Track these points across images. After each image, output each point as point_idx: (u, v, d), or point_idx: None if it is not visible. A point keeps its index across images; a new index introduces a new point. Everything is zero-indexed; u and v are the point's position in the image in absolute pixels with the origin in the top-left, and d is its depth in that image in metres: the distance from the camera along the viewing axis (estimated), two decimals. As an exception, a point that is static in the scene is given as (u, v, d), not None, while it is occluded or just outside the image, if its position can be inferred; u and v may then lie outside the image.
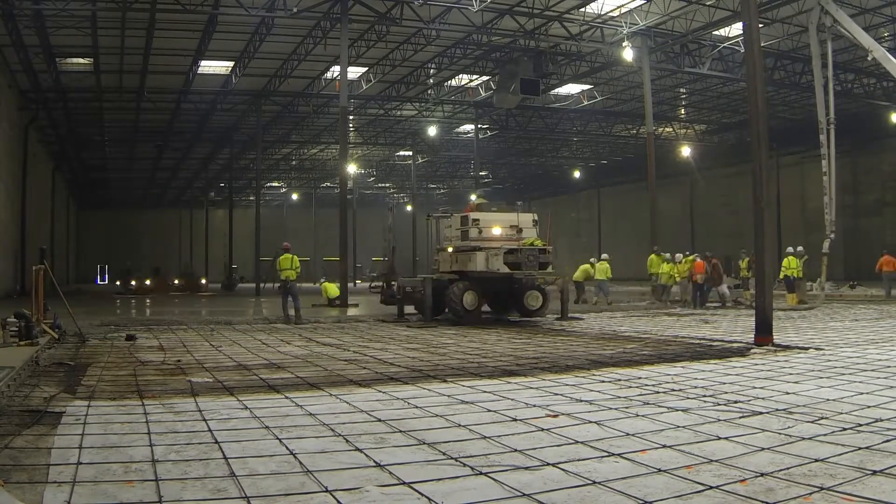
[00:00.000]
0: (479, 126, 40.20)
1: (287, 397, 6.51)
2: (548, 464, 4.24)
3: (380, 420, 5.49)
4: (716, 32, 25.66)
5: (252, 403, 6.17)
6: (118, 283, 43.22)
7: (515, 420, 5.49)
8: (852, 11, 20.82)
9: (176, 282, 39.63)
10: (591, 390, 6.82)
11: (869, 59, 17.47)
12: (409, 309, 17.64)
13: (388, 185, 66.05)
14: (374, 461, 4.29)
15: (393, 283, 18.97)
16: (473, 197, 19.51)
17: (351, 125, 40.01)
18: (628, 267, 38.37)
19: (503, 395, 6.54)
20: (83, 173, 51.45)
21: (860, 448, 4.49)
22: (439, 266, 17.35)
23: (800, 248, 20.73)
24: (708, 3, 22.94)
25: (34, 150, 33.57)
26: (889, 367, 8.06)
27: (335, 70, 28.72)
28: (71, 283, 50.29)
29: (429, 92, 33.97)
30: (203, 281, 41.45)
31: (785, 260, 20.68)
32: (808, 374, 7.71)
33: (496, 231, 16.14)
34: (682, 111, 40.38)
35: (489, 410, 5.85)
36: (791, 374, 7.74)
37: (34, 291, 11.64)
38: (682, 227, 45.51)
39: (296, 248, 18.59)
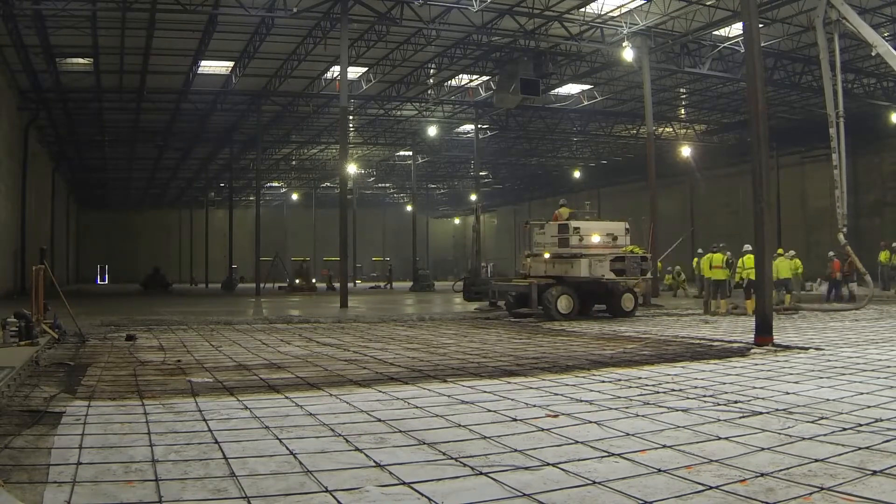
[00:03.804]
0: (479, 126, 40.15)
1: (287, 397, 6.51)
2: (548, 464, 4.24)
3: (380, 420, 5.48)
4: (716, 32, 25.64)
5: (252, 403, 6.17)
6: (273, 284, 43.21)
7: (515, 420, 5.48)
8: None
9: (297, 281, 39.93)
10: (591, 390, 6.82)
11: (873, 53, 17.43)
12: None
13: (388, 185, 66.00)
14: (374, 461, 4.29)
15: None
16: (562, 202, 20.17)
17: (351, 125, 39.98)
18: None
19: (503, 396, 6.54)
20: (83, 173, 51.42)
21: (860, 448, 4.49)
22: (529, 270, 18.02)
23: (791, 252, 20.95)
24: (708, 3, 22.91)
25: (34, 150, 33.54)
26: (889, 367, 8.05)
27: (335, 70, 28.71)
28: (71, 283, 50.30)
29: (429, 92, 33.93)
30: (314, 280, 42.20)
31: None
32: (808, 374, 7.71)
33: (596, 239, 16.95)
34: (682, 111, 40.33)
35: (489, 410, 5.85)
36: (791, 374, 7.74)
37: (34, 291, 11.63)
38: (682, 228, 45.47)
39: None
